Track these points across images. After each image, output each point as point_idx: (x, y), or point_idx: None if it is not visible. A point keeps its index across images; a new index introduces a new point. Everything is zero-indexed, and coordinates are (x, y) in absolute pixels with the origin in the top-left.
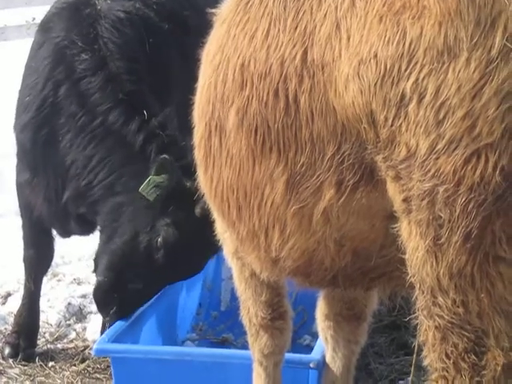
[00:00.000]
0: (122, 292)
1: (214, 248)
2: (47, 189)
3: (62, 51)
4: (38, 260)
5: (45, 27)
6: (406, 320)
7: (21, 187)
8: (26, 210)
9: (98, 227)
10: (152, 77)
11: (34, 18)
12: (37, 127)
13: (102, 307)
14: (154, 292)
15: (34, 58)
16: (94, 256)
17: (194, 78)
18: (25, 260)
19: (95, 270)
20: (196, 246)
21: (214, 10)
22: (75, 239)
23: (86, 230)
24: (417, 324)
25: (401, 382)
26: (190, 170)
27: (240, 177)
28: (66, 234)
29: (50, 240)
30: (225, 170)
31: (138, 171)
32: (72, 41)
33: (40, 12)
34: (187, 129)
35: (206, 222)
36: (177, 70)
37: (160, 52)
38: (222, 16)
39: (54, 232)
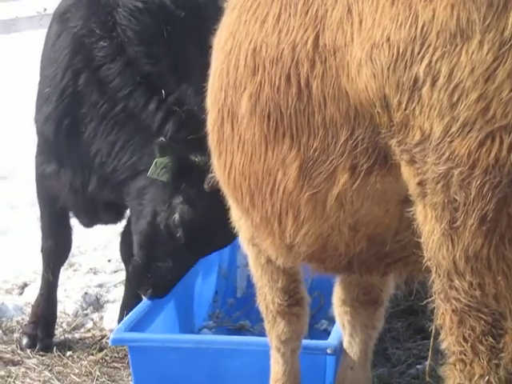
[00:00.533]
0: (154, 270)
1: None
2: (74, 179)
3: (80, 40)
4: (57, 250)
5: (62, 18)
6: (423, 304)
7: (44, 178)
8: (49, 200)
9: (130, 212)
10: (170, 60)
11: (45, 9)
12: (59, 118)
13: (138, 285)
14: (186, 268)
15: (52, 48)
16: (109, 245)
17: (209, 65)
18: (43, 250)
19: (122, 251)
20: (215, 217)
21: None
22: (91, 229)
23: (114, 217)
24: (434, 308)
25: (418, 366)
26: (205, 144)
27: (252, 163)
28: (91, 223)
29: (69, 230)
30: (237, 157)
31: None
32: (90, 29)
33: (51, 2)
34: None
35: (218, 194)
36: (194, 56)
37: (177, 39)
38: (233, 2)
39: (72, 222)
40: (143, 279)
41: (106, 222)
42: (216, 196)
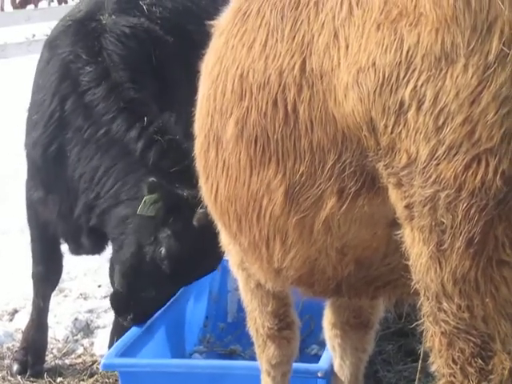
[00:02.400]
0: (136, 299)
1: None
2: (61, 205)
3: (67, 66)
4: (48, 276)
5: (52, 44)
6: (413, 327)
7: (33, 204)
8: (40, 226)
9: (110, 239)
10: (155, 86)
11: (33, 35)
12: (46, 143)
13: (119, 314)
14: (168, 296)
15: (41, 75)
16: (99, 271)
17: (196, 91)
18: (34, 277)
19: (111, 277)
20: (201, 251)
21: (212, 22)
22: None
23: (97, 246)
24: (423, 330)
25: None
26: (188, 175)
27: (237, 188)
28: (78, 250)
29: (60, 256)
30: (222, 182)
31: (140, 179)
32: (77, 54)
33: (39, 29)
34: (191, 136)
35: (207, 230)
36: (182, 82)
37: (166, 65)
38: (221, 27)
39: (63, 248)
40: (124, 307)
41: (91, 252)
42: (203, 229)
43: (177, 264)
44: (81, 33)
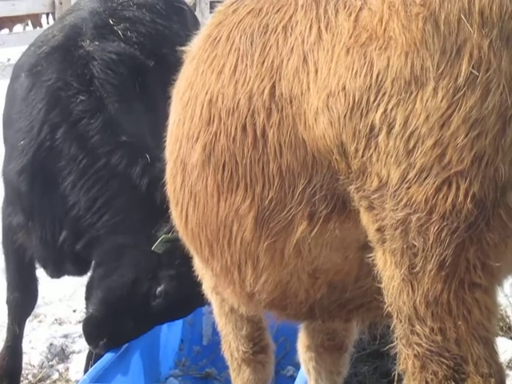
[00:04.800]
0: (112, 328)
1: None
2: (43, 231)
3: (56, 93)
4: (23, 303)
5: (33, 71)
6: (388, 348)
7: (11, 230)
8: (15, 252)
9: (93, 262)
10: (146, 117)
11: (8, 59)
12: (35, 171)
13: (91, 339)
14: (143, 330)
15: (23, 102)
16: (74, 296)
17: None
18: (9, 303)
19: (87, 299)
20: (192, 296)
21: (184, 48)
22: (55, 280)
23: (81, 269)
24: (397, 352)
25: None
26: None
27: (205, 215)
28: (58, 274)
29: (35, 282)
30: (190, 208)
31: (145, 215)
32: (66, 82)
33: (14, 53)
34: None
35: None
36: (163, 108)
37: (148, 91)
38: (192, 53)
39: (37, 273)
40: (96, 334)
41: (73, 274)
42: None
43: (168, 304)
44: (67, 59)
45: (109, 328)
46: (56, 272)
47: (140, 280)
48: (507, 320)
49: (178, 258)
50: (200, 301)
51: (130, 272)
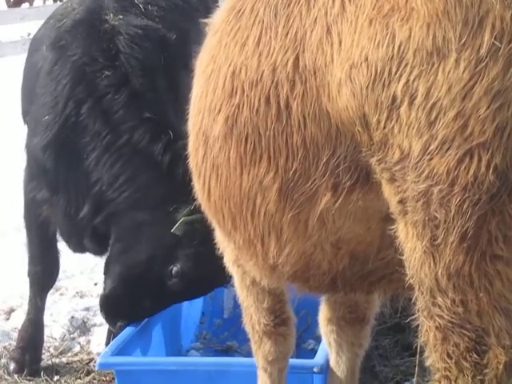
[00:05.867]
0: (128, 305)
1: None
2: (67, 206)
3: (81, 69)
4: (46, 275)
5: (56, 45)
6: (409, 321)
7: (35, 204)
8: (39, 226)
9: (112, 238)
10: (171, 92)
11: (29, 34)
12: (60, 146)
13: (107, 316)
14: (159, 309)
15: (48, 76)
16: (95, 269)
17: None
18: (31, 276)
19: (105, 275)
20: (210, 276)
21: (206, 20)
22: (77, 253)
23: (100, 247)
24: (419, 325)
25: (406, 383)
26: None
27: (228, 187)
28: (81, 249)
29: (57, 256)
30: (213, 180)
31: (166, 193)
32: (92, 57)
33: (34, 27)
34: None
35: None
36: (186, 82)
37: (172, 65)
38: (215, 26)
39: (59, 246)
40: (114, 311)
41: (93, 252)
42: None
43: (185, 284)
44: (92, 34)
45: (125, 306)
46: (78, 247)
47: (156, 258)
48: None
49: (197, 237)
50: (218, 281)
51: (146, 249)
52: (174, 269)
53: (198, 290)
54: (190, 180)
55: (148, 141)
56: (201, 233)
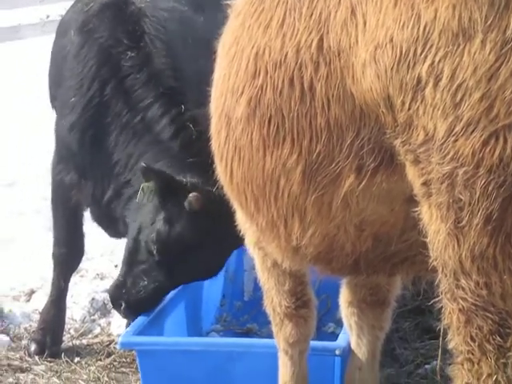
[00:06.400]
0: (130, 288)
1: (232, 245)
2: (95, 189)
3: (107, 51)
4: (70, 258)
5: (84, 29)
6: (430, 304)
7: (62, 187)
8: (67, 209)
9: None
10: (193, 73)
11: (48, 16)
12: (84, 128)
13: (113, 302)
14: (163, 290)
15: (75, 59)
16: (115, 251)
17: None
18: (56, 258)
19: None
20: (196, 241)
21: (229, 2)
22: (97, 235)
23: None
24: (441, 307)
25: (426, 366)
26: (205, 168)
27: (250, 169)
28: (115, 234)
29: (82, 238)
30: (235, 162)
31: (167, 165)
32: (117, 39)
33: (53, 10)
34: None
35: (203, 219)
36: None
37: (198, 47)
38: (238, 8)
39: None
40: (118, 297)
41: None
42: (198, 217)
43: (166, 250)
44: (118, 17)
45: (126, 289)
46: (113, 232)
47: (142, 231)
48: None
49: (170, 200)
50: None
51: (136, 226)
52: (153, 235)
53: (190, 266)
54: (190, 152)
55: (159, 116)
56: (171, 195)
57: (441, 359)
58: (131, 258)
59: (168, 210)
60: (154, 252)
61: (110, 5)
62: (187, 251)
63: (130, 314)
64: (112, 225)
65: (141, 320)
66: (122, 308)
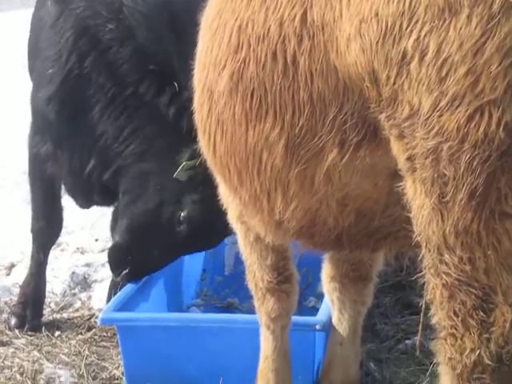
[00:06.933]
0: (136, 256)
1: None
2: (71, 160)
3: (84, 22)
4: (49, 231)
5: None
6: (411, 279)
7: (39, 159)
8: (43, 181)
9: (120, 191)
10: (177, 46)
11: None
12: (63, 99)
13: (115, 268)
14: (168, 260)
15: (51, 30)
16: (96, 225)
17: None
18: (34, 231)
19: (113, 230)
20: (217, 224)
21: None
22: (78, 209)
23: (108, 200)
24: (423, 283)
25: (407, 341)
26: None
27: (233, 143)
28: (87, 204)
29: (60, 211)
30: (218, 136)
31: (171, 143)
32: (95, 11)
33: None
34: None
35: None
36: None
37: (178, 20)
38: None
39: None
40: (121, 262)
41: (101, 204)
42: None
43: (192, 230)
44: None
45: (133, 256)
46: (85, 202)
47: (164, 206)
48: None
49: (201, 183)
50: (225, 229)
51: (153, 198)
52: (182, 214)
53: (206, 240)
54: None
55: (153, 93)
56: (204, 176)
57: (421, 335)
58: (142, 228)
59: (200, 193)
60: (179, 230)
61: None
62: (206, 232)
63: (131, 279)
64: (85, 195)
65: (121, 295)
66: (124, 273)
